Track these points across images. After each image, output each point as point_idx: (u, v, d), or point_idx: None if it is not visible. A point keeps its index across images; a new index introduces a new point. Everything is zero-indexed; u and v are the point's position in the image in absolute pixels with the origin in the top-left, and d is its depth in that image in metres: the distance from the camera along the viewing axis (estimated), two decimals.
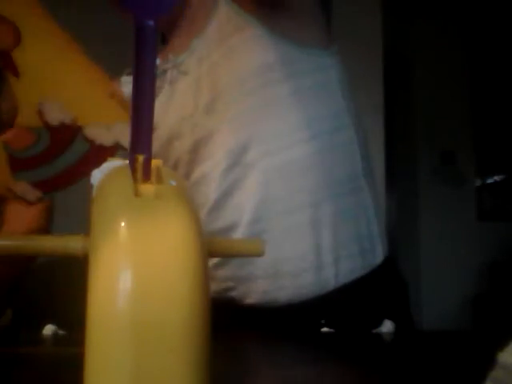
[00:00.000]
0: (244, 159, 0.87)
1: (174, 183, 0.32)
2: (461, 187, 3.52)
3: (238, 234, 0.87)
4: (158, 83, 0.94)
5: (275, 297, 0.87)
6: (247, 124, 0.87)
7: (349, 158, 0.91)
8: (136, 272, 0.27)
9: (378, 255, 0.90)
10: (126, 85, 0.97)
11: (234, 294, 0.90)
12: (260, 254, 0.36)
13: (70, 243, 0.32)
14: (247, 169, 0.87)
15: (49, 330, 0.72)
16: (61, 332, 0.73)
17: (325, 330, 0.78)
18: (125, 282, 0.27)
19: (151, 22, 0.28)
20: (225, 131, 0.88)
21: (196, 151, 0.90)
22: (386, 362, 0.61)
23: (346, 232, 0.88)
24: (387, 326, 0.78)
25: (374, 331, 0.78)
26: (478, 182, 3.60)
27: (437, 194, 3.55)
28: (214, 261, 0.88)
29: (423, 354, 0.64)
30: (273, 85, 0.86)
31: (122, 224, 0.28)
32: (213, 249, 0.33)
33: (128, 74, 0.96)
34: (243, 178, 0.87)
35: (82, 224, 0.35)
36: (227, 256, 0.35)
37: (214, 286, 0.90)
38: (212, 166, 0.89)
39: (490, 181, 3.62)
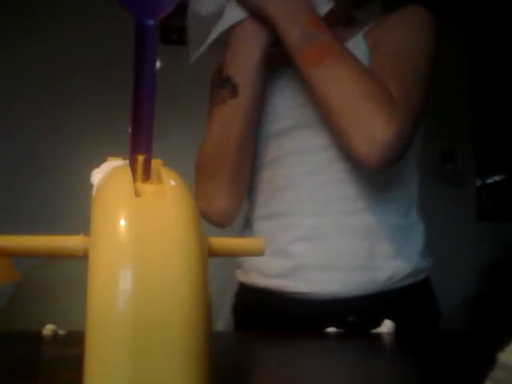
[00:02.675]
0: (322, 157, 0.97)
1: (173, 183, 0.32)
2: (461, 187, 3.52)
3: (296, 220, 0.96)
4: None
5: (322, 288, 0.94)
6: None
7: (406, 184, 1.01)
8: (136, 272, 0.27)
9: (424, 272, 1.03)
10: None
11: (283, 281, 0.97)
12: (260, 254, 0.36)
13: (70, 243, 0.32)
14: (321, 166, 0.96)
15: (49, 330, 0.72)
16: (61, 332, 0.73)
17: (330, 330, 0.78)
18: (124, 282, 0.27)
19: (151, 22, 0.28)
20: (314, 129, 0.96)
21: (282, 136, 1.00)
22: (386, 362, 0.61)
23: (401, 245, 0.97)
24: (387, 326, 0.78)
25: (374, 331, 0.78)
26: (478, 182, 3.59)
27: (436, 194, 3.55)
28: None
29: (423, 353, 0.63)
30: None
31: (122, 224, 0.28)
32: (213, 249, 0.33)
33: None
34: (316, 172, 0.97)
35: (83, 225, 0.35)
36: (227, 256, 0.35)
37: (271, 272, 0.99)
38: (290, 153, 0.99)
39: (490, 181, 3.61)
